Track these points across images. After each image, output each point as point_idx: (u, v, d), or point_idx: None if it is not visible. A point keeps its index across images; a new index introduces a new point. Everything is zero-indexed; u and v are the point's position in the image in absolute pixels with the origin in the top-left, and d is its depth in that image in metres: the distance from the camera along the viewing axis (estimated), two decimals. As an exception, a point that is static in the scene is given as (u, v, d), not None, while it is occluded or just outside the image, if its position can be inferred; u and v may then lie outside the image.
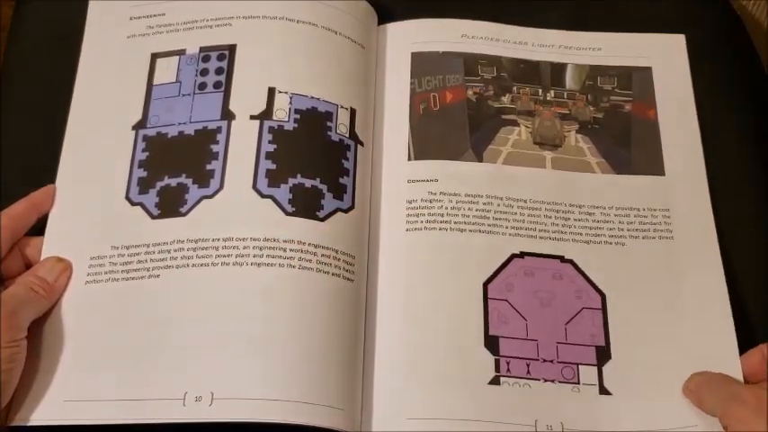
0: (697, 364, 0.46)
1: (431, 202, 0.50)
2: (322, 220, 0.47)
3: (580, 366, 0.46)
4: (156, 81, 0.51)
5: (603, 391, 0.46)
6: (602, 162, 0.53)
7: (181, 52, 0.52)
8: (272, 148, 0.48)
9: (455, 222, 0.50)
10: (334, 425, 0.43)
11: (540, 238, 0.50)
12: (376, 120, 0.53)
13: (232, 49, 0.51)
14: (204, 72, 0.51)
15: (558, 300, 0.48)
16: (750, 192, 0.53)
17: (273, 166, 0.48)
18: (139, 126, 0.50)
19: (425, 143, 0.52)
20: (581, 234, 0.50)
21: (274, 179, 0.47)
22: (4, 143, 0.53)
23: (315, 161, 0.49)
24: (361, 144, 0.51)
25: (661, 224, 0.50)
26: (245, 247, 0.46)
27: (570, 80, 0.56)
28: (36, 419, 0.43)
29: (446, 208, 0.50)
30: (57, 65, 0.53)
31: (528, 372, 0.46)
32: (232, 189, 0.47)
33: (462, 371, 0.46)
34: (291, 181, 0.47)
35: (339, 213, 0.48)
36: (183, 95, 0.51)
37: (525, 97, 0.55)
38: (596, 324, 0.48)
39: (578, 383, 0.46)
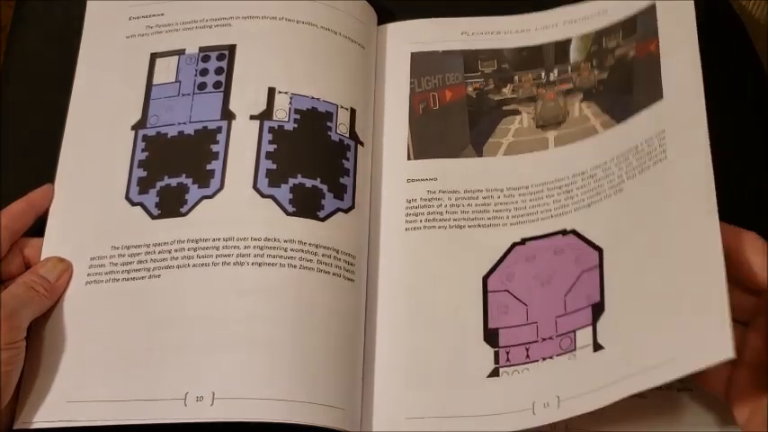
0: (681, 303, 0.42)
1: (430, 200, 0.50)
2: (322, 220, 0.47)
3: (577, 332, 0.45)
4: (155, 81, 0.51)
5: (597, 347, 0.44)
6: (606, 119, 0.50)
7: (180, 52, 0.52)
8: (272, 148, 0.48)
9: (454, 219, 0.50)
10: (335, 424, 0.43)
11: (542, 219, 0.49)
12: (376, 120, 0.53)
13: (232, 49, 0.51)
14: (204, 72, 0.51)
15: (557, 275, 0.47)
16: (750, 192, 0.53)
17: (274, 166, 0.48)
18: (139, 126, 0.50)
19: (425, 142, 0.52)
20: (583, 200, 0.48)
21: (275, 179, 0.47)
22: (4, 143, 0.53)
23: (315, 161, 0.49)
24: (362, 144, 0.51)
25: (656, 148, 0.47)
26: (245, 247, 0.45)
27: (575, 53, 0.54)
28: (39, 421, 0.43)
29: (445, 206, 0.50)
30: (57, 65, 0.53)
31: (527, 356, 0.45)
32: (232, 189, 0.47)
33: (462, 368, 0.46)
34: (292, 181, 0.47)
35: (339, 213, 0.48)
36: (183, 95, 0.50)
37: (527, 84, 0.54)
38: (593, 283, 0.45)
39: (575, 350, 0.44)
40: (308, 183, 0.48)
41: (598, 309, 0.45)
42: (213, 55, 0.51)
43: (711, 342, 0.39)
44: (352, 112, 0.51)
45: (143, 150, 0.49)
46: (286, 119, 0.49)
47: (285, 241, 0.46)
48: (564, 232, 0.48)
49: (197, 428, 0.42)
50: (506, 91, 0.54)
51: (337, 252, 0.47)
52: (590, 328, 0.44)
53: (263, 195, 0.47)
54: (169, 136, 0.49)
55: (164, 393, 0.43)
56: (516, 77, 0.54)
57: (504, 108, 0.53)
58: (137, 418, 0.42)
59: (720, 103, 0.55)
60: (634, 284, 0.44)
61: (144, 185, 0.48)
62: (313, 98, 0.50)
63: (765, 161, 0.54)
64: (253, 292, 0.45)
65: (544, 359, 0.45)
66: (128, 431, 0.42)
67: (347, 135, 0.50)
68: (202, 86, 0.50)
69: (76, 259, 0.47)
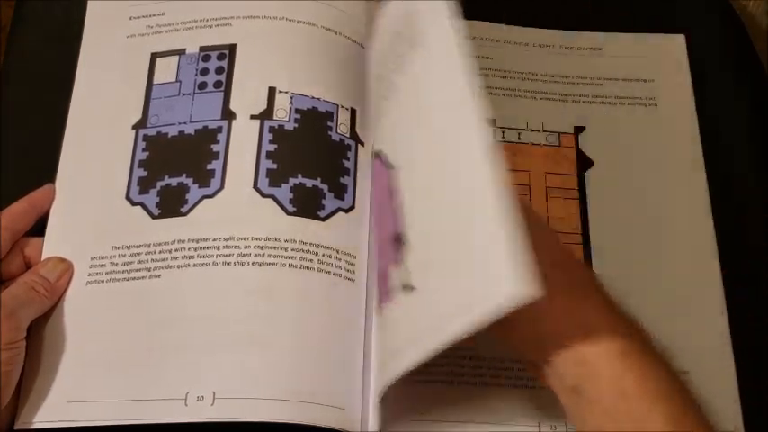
0: (468, 238, 0.32)
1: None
2: (323, 219, 0.47)
3: (389, 269, 0.37)
4: (155, 81, 0.51)
5: (407, 288, 0.36)
6: None
7: (181, 52, 0.52)
8: (272, 147, 0.48)
9: None
10: (335, 424, 0.43)
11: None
12: (376, 119, 0.53)
13: (232, 48, 0.51)
14: (204, 72, 0.51)
15: (375, 204, 0.40)
16: (751, 192, 0.53)
17: (274, 166, 0.48)
18: (139, 126, 0.50)
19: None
20: (379, 107, 0.39)
21: (275, 179, 0.47)
22: (4, 143, 0.52)
23: (316, 161, 0.49)
24: (362, 144, 0.51)
25: (411, 29, 0.36)
26: (246, 247, 0.46)
27: None
28: (39, 422, 0.43)
29: None
30: (57, 65, 0.53)
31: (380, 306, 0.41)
32: (233, 189, 0.47)
33: None
34: (292, 181, 0.47)
35: (340, 213, 0.48)
36: (184, 95, 0.51)
37: None
38: (396, 209, 0.37)
39: (389, 301, 0.38)
40: (309, 182, 0.48)
41: (400, 240, 0.37)
42: (214, 54, 0.51)
43: (507, 283, 0.29)
44: (353, 111, 0.51)
45: (143, 150, 0.49)
46: (286, 118, 0.49)
47: (285, 241, 0.46)
48: (377, 155, 0.41)
49: (197, 428, 0.42)
50: None
51: (338, 252, 0.47)
52: (401, 267, 0.37)
53: (263, 195, 0.47)
54: (169, 136, 0.49)
55: (164, 393, 0.43)
56: None
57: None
58: (137, 418, 0.42)
59: (720, 103, 0.55)
60: (425, 214, 0.35)
61: (144, 185, 0.48)
62: (313, 98, 0.50)
63: (765, 161, 0.55)
64: (253, 292, 0.45)
65: (381, 305, 0.39)
66: (128, 431, 0.42)
67: (348, 135, 0.50)
68: (203, 86, 0.51)
69: (77, 259, 0.47)
